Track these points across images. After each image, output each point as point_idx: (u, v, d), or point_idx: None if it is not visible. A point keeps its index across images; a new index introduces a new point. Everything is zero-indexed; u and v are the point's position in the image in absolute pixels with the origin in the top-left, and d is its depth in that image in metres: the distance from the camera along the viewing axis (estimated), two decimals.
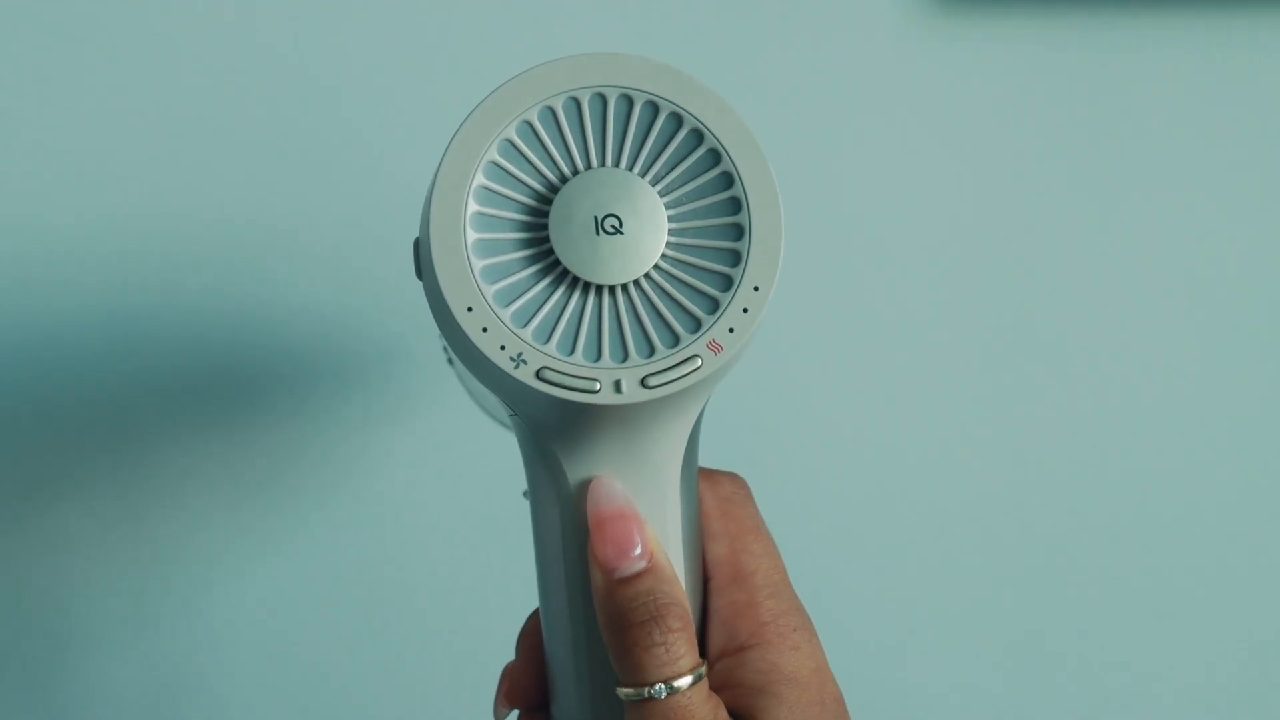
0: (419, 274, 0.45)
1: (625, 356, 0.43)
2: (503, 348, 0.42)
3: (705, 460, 0.50)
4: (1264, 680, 0.78)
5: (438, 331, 0.64)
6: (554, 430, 0.46)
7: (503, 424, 0.65)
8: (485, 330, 0.42)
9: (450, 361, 0.64)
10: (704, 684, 0.45)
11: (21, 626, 0.73)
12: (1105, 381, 0.76)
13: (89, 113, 0.70)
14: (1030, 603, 0.77)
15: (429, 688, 0.75)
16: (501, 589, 0.70)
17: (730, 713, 0.46)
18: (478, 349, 0.43)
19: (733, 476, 0.52)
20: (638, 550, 0.44)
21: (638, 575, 0.44)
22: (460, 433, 0.73)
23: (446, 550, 0.74)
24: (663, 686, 0.44)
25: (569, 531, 0.47)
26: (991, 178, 0.75)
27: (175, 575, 0.73)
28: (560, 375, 0.43)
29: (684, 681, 0.44)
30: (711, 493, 0.50)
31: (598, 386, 0.43)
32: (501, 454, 0.68)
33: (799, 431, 0.76)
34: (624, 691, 0.44)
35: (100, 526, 0.72)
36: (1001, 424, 0.76)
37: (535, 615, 0.53)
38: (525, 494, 0.53)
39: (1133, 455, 0.77)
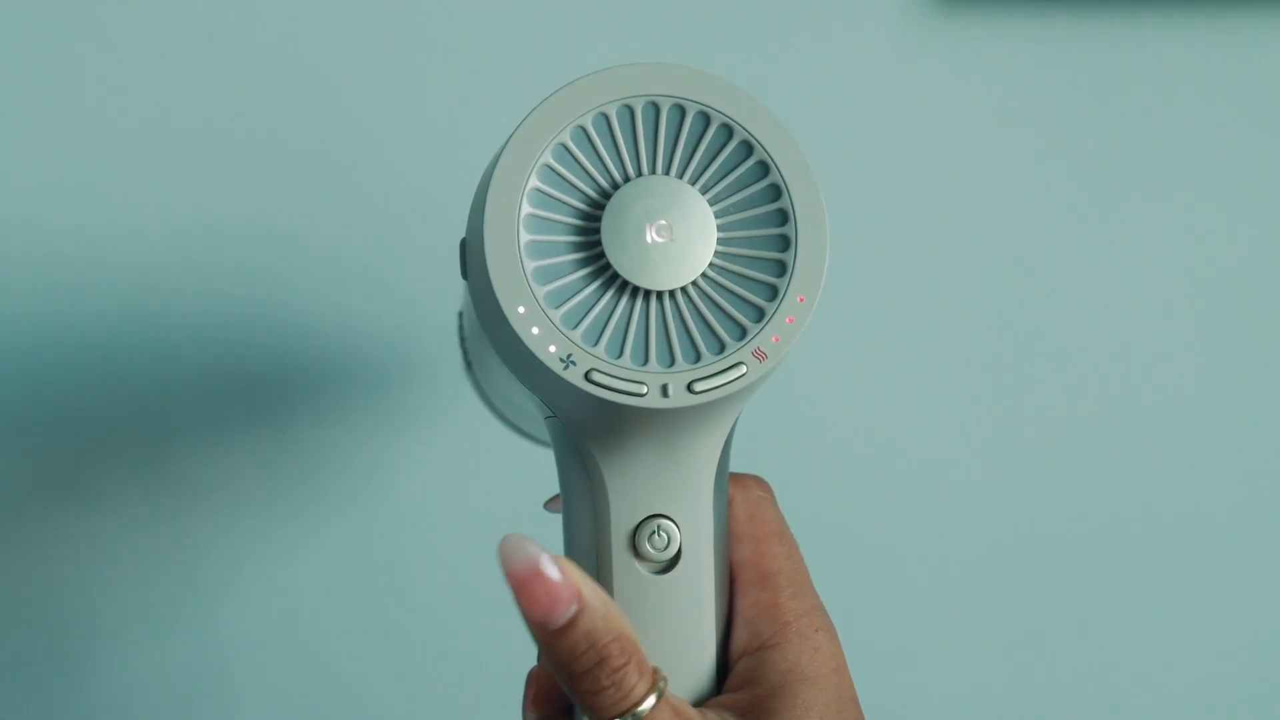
0: (464, 274, 0.45)
1: (672, 361, 0.44)
2: (553, 349, 0.43)
3: None
4: (1265, 681, 0.79)
5: (457, 338, 0.64)
6: (593, 432, 0.46)
7: (520, 432, 0.65)
8: (536, 331, 0.43)
9: (469, 366, 0.64)
10: (667, 698, 0.44)
11: (44, 629, 0.73)
12: (1107, 382, 0.76)
13: (97, 114, 0.70)
14: (1034, 604, 0.78)
15: (446, 692, 0.75)
16: None
17: (745, 711, 0.47)
18: (528, 349, 0.43)
19: (759, 480, 0.52)
20: (566, 596, 0.42)
21: (572, 620, 0.42)
22: (479, 439, 0.73)
23: (464, 556, 0.74)
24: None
25: (603, 531, 0.48)
26: (992, 178, 0.75)
27: (196, 579, 0.73)
28: (608, 378, 0.43)
29: (645, 706, 0.43)
30: (741, 495, 0.51)
31: (645, 390, 0.43)
32: (520, 460, 0.68)
33: (798, 432, 0.76)
34: None
35: (121, 531, 0.72)
36: (1000, 424, 0.76)
37: None
38: (547, 505, 0.53)
39: (1136, 456, 0.77)
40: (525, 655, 0.54)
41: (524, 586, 0.42)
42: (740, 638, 0.49)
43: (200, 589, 0.73)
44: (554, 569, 0.41)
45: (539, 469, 0.51)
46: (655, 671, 0.44)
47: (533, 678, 0.52)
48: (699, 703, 0.49)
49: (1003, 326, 0.76)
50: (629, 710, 0.43)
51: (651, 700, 0.43)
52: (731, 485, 0.51)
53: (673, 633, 0.49)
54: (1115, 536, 0.78)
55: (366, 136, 0.71)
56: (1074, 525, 0.77)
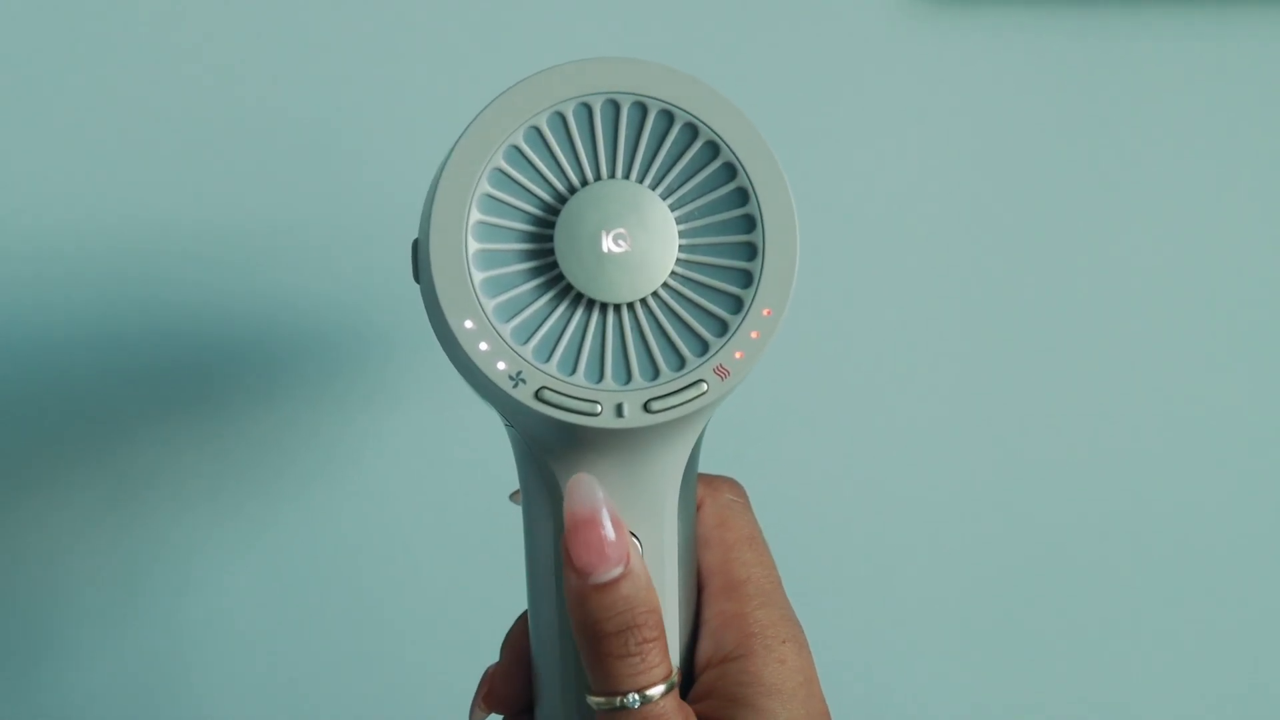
0: (416, 276, 0.43)
1: (628, 379, 0.42)
2: (501, 366, 0.41)
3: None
4: (1265, 685, 0.78)
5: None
6: (551, 446, 0.45)
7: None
8: (484, 347, 0.41)
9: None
10: (675, 692, 0.44)
11: None
12: (1104, 381, 0.75)
13: (72, 111, 0.68)
14: (1026, 612, 0.76)
15: (408, 679, 0.75)
16: (487, 583, 0.70)
17: None
18: (475, 365, 0.41)
19: (732, 483, 0.51)
20: (614, 556, 0.42)
21: (614, 581, 0.42)
22: (445, 422, 0.72)
23: (430, 542, 0.73)
24: (636, 696, 0.43)
25: (562, 544, 0.45)
26: (985, 173, 0.73)
27: (155, 568, 0.72)
28: (560, 396, 0.41)
29: (657, 690, 0.43)
30: (711, 500, 0.50)
31: (599, 409, 0.41)
32: (488, 444, 0.67)
33: (784, 432, 0.74)
34: (595, 700, 0.44)
35: (72, 522, 0.72)
36: (992, 427, 0.75)
37: (521, 619, 0.52)
38: (512, 497, 0.52)
39: (1133, 453, 0.76)
40: (492, 647, 0.53)
41: (578, 530, 0.42)
42: (706, 649, 0.48)
43: (155, 578, 0.72)
44: (615, 527, 0.42)
45: (507, 449, 0.49)
46: (673, 668, 0.44)
47: (488, 677, 0.53)
48: None
49: (998, 323, 0.74)
50: (644, 687, 0.43)
51: (662, 688, 0.43)
52: (702, 488, 0.50)
53: None
54: (1117, 543, 0.76)
55: (338, 128, 0.69)
56: (1070, 528, 0.76)
